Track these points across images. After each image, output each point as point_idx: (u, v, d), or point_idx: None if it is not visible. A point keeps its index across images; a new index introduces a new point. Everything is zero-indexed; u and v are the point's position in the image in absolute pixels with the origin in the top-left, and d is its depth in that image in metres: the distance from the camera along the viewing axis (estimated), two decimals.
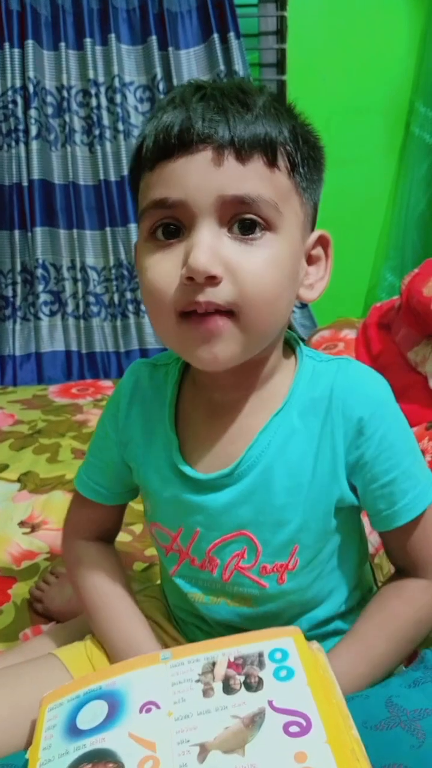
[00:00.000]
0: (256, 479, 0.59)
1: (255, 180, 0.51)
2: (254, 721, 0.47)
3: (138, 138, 0.55)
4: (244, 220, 0.51)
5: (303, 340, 2.27)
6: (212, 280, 0.50)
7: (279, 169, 0.52)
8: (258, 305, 0.52)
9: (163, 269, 0.52)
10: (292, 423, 0.59)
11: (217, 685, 0.50)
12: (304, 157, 0.54)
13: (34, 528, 1.17)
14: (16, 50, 2.07)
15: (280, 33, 2.22)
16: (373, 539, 0.77)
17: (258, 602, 0.63)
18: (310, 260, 0.58)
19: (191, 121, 0.50)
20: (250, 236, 0.51)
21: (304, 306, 2.28)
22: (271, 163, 0.51)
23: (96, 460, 0.71)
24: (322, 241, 0.59)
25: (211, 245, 0.50)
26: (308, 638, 0.54)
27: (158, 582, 0.79)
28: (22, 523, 1.18)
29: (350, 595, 0.66)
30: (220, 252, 0.50)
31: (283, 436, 0.59)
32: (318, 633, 0.65)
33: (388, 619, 0.61)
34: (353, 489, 0.60)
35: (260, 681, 0.50)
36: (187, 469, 0.61)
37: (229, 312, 0.51)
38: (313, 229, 0.58)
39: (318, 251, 0.59)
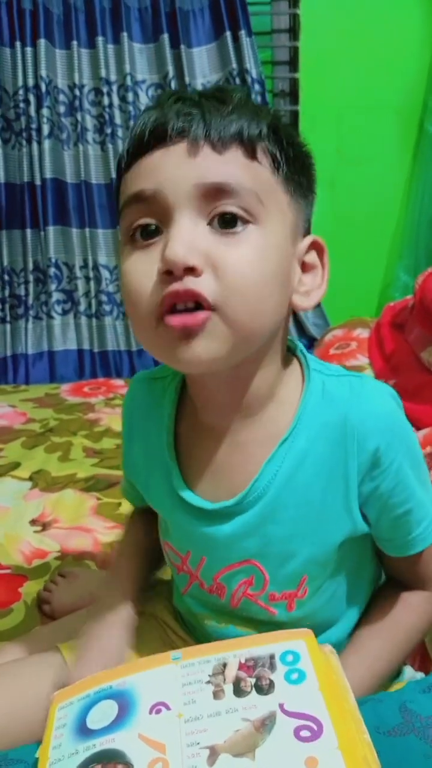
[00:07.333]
0: (263, 510, 0.57)
1: (233, 167, 0.49)
2: (265, 725, 0.46)
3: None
4: (224, 214, 0.48)
5: (315, 339, 2.26)
6: (191, 272, 0.47)
7: (260, 162, 0.50)
8: (243, 298, 0.48)
9: (141, 269, 0.49)
10: (300, 449, 0.55)
11: (228, 687, 0.50)
12: (289, 157, 0.52)
13: (45, 526, 1.16)
14: (29, 49, 2.07)
15: (293, 31, 2.21)
16: None
17: (267, 627, 0.60)
18: (305, 267, 0.55)
19: (166, 117, 0.49)
20: (231, 230, 0.48)
21: (316, 305, 2.27)
22: (250, 155, 0.49)
23: (125, 471, 0.71)
24: (316, 247, 0.56)
25: (189, 236, 0.47)
26: None
27: (168, 578, 0.79)
28: (33, 522, 1.18)
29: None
30: (198, 244, 0.47)
31: (290, 464, 0.56)
32: None
33: (397, 631, 0.62)
34: (365, 517, 0.58)
35: (271, 683, 0.49)
36: (189, 496, 0.59)
37: (211, 308, 0.48)
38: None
39: (312, 258, 0.56)
